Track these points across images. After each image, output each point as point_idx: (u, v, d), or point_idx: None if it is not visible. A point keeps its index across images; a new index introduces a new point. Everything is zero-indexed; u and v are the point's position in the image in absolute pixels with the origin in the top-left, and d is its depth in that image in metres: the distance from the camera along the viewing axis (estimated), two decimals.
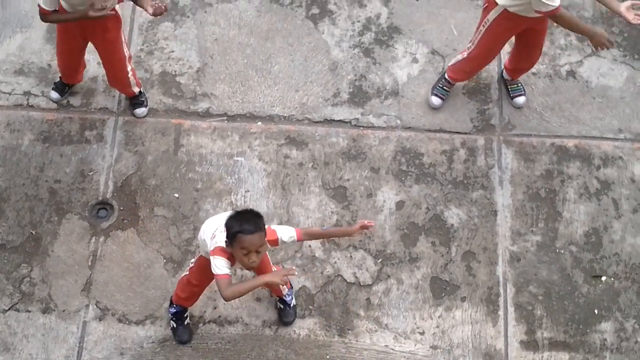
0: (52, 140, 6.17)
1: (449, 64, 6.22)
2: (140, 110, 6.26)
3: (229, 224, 4.48)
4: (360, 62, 6.51)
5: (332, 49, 6.55)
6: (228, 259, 4.57)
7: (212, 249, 4.61)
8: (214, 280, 4.81)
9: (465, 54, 5.98)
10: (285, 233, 4.72)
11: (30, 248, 5.84)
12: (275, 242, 4.69)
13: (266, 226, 4.59)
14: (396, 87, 6.43)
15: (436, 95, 6.31)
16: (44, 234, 5.89)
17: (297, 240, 4.79)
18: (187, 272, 5.25)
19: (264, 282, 4.63)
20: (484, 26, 5.66)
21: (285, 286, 5.44)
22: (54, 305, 5.69)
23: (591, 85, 6.46)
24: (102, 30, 5.52)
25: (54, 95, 6.26)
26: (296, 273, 4.80)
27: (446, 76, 6.24)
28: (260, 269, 5.07)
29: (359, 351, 5.61)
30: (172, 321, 5.57)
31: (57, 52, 5.95)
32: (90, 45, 5.77)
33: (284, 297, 5.56)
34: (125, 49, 5.76)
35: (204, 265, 4.95)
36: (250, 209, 4.63)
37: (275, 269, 5.19)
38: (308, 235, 4.91)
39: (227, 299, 4.60)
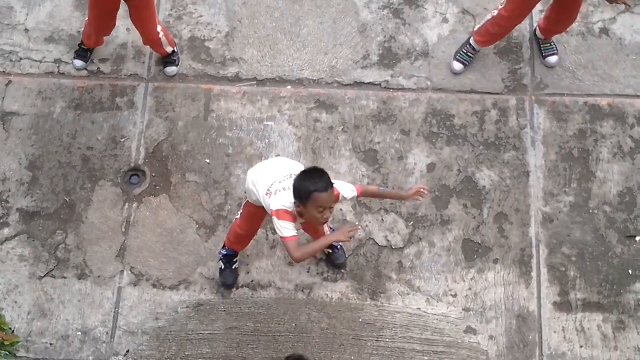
0: (83, 107, 6.20)
1: (475, 29, 6.14)
2: (171, 69, 6.29)
3: (300, 185, 4.54)
4: (390, 23, 6.45)
5: (360, 10, 6.49)
6: (292, 220, 4.67)
7: (274, 209, 4.67)
8: (258, 229, 5.20)
9: (495, 12, 5.87)
10: (346, 189, 4.79)
11: (65, 215, 5.91)
12: (336, 198, 4.73)
13: None
14: (426, 47, 6.37)
15: (458, 60, 6.24)
16: (78, 200, 5.95)
17: (357, 197, 4.91)
18: (238, 217, 5.33)
19: (331, 241, 4.92)
20: None
21: (327, 231, 5.48)
22: (89, 271, 5.76)
23: (625, 42, 6.35)
24: None
25: (78, 63, 6.30)
26: (359, 230, 5.06)
27: (471, 42, 6.16)
28: (314, 230, 5.26)
29: (391, 314, 5.63)
30: (220, 261, 5.64)
31: (91, 15, 5.89)
32: (120, 12, 5.79)
33: None
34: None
35: (251, 212, 5.11)
36: (315, 167, 4.70)
37: (327, 229, 5.35)
38: (366, 192, 5.05)
39: (297, 260, 4.78)
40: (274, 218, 4.66)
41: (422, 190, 4.96)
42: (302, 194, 4.50)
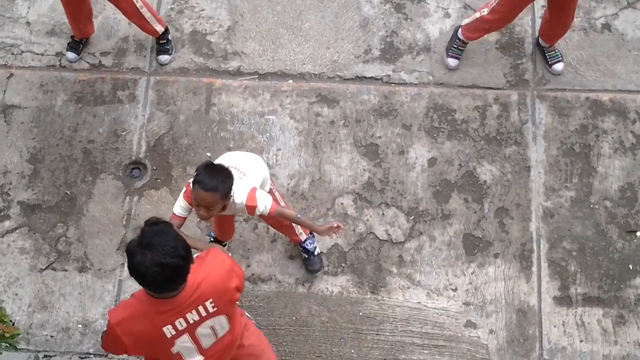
0: (85, 100, 6.21)
1: (463, 24, 6.11)
2: (164, 58, 6.29)
3: (197, 170, 4.51)
4: (392, 18, 6.45)
5: (362, 5, 6.49)
6: (190, 203, 4.67)
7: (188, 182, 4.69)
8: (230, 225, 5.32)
9: (484, 11, 5.82)
10: (263, 203, 4.69)
11: (66, 208, 5.91)
12: (252, 210, 4.68)
13: (251, 189, 4.65)
14: (428, 42, 6.37)
15: (452, 56, 6.22)
16: (79, 193, 5.95)
17: (269, 214, 4.75)
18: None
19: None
20: None
21: (303, 233, 5.49)
22: (90, 264, 5.76)
23: (627, 38, 6.35)
24: None
25: (71, 55, 6.30)
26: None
27: (460, 36, 6.14)
28: (223, 228, 5.40)
29: (391, 308, 5.63)
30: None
31: (62, 3, 5.93)
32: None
33: (305, 245, 5.59)
34: None
35: None
36: (225, 168, 4.54)
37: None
38: (281, 214, 4.87)
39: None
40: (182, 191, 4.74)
41: (335, 227, 4.87)
42: (194, 179, 4.50)
